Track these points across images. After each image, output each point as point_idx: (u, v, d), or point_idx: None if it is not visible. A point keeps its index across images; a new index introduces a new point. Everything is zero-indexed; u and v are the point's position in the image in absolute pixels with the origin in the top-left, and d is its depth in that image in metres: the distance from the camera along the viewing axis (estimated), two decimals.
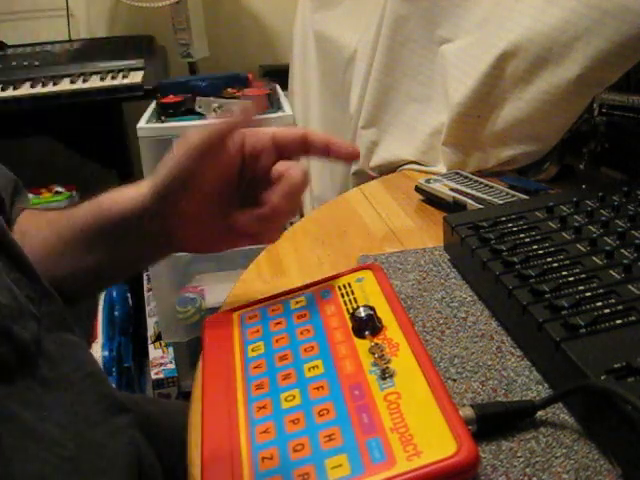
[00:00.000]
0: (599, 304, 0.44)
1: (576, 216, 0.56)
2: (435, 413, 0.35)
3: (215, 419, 0.40)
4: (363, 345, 0.43)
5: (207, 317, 0.52)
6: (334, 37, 1.28)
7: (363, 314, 0.44)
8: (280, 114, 1.59)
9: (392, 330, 0.43)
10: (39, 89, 1.65)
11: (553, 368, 0.42)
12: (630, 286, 0.45)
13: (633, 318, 0.42)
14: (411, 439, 0.34)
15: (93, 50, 1.89)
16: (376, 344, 0.42)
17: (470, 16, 0.91)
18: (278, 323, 0.48)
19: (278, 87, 1.75)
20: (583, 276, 0.47)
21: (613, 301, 0.44)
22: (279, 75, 1.80)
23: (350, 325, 0.45)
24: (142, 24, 2.02)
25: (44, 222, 0.60)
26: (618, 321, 0.42)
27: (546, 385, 0.43)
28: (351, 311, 0.46)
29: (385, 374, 0.39)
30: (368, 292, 0.48)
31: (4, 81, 1.68)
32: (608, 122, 0.81)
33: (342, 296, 0.49)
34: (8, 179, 0.63)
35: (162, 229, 0.52)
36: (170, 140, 1.55)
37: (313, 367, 0.42)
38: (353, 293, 0.49)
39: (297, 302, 0.50)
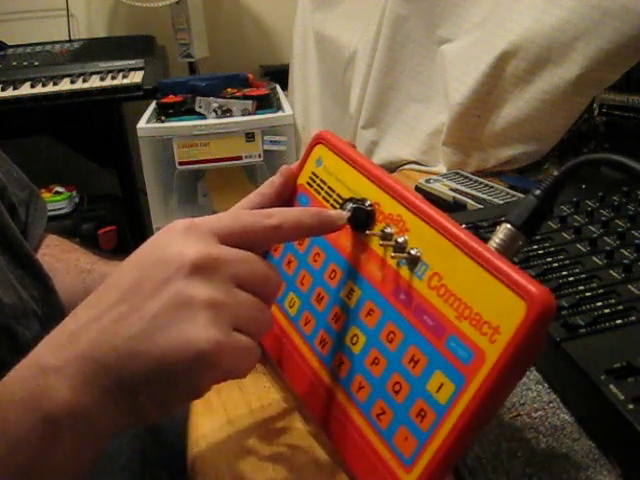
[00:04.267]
0: (599, 304, 0.44)
1: (576, 216, 0.56)
2: (482, 275, 0.32)
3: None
4: (372, 241, 0.39)
5: None
6: (334, 37, 1.28)
7: (354, 214, 0.40)
8: (280, 114, 1.60)
9: (384, 203, 0.39)
10: (39, 89, 1.65)
11: (553, 368, 0.42)
12: (630, 286, 0.45)
13: (633, 318, 0.42)
14: (481, 318, 0.32)
15: (93, 50, 1.89)
16: (383, 233, 0.38)
17: (470, 16, 0.91)
18: (289, 262, 0.46)
19: (278, 87, 1.75)
20: (583, 276, 0.47)
21: (613, 301, 0.44)
22: (279, 75, 1.80)
23: (347, 225, 0.40)
24: (142, 24, 2.02)
25: (73, 264, 0.61)
26: (618, 321, 0.42)
27: (546, 385, 0.43)
28: (337, 206, 0.42)
29: (413, 260, 0.36)
30: (335, 172, 0.44)
31: (4, 81, 1.68)
32: (608, 122, 0.81)
33: (318, 192, 0.45)
34: (23, 186, 0.64)
35: None
36: (170, 140, 1.55)
37: (350, 293, 0.40)
38: (324, 183, 0.44)
39: None
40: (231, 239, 0.34)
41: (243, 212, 0.37)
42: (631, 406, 0.35)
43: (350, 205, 0.40)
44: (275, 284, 0.36)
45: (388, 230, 0.38)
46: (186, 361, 0.31)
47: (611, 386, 0.36)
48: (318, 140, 0.47)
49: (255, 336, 0.34)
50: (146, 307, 0.31)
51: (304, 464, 0.39)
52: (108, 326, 0.31)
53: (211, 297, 0.31)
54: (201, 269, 0.32)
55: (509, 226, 0.35)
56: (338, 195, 0.43)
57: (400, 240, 0.37)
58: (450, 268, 0.34)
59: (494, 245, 0.35)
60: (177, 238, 0.33)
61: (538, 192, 0.35)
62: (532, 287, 0.30)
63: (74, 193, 1.88)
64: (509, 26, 0.80)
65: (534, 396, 0.42)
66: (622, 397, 0.35)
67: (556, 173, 0.35)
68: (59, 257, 0.62)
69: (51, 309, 0.54)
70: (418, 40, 0.96)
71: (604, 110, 0.81)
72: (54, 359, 0.31)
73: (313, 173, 0.46)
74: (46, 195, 1.79)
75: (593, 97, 0.78)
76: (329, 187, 0.44)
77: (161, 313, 0.31)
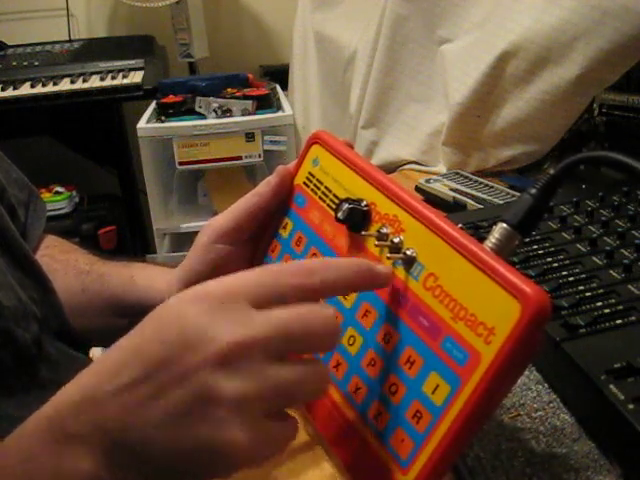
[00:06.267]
0: (599, 304, 0.44)
1: (576, 216, 0.56)
2: (477, 275, 0.32)
3: None
4: (368, 241, 0.39)
5: None
6: (334, 37, 1.28)
7: (350, 215, 0.40)
8: (280, 114, 1.60)
9: (380, 203, 0.39)
10: (39, 89, 1.65)
11: (553, 368, 0.43)
12: (630, 286, 0.45)
13: (633, 318, 0.42)
14: (476, 319, 0.32)
15: (93, 50, 1.89)
16: (379, 233, 0.38)
17: (470, 16, 0.91)
18: None
19: (278, 87, 1.75)
20: (583, 276, 0.47)
21: (613, 301, 0.44)
22: (279, 75, 1.80)
23: (343, 226, 0.41)
24: (142, 24, 2.02)
25: (72, 265, 0.61)
26: (618, 321, 0.42)
27: (546, 385, 0.43)
28: (333, 207, 0.42)
29: (408, 260, 0.36)
30: (332, 172, 0.44)
31: (4, 81, 1.68)
32: (608, 122, 0.81)
33: (314, 192, 0.45)
34: (22, 186, 0.64)
35: None
36: (170, 140, 1.55)
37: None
38: (321, 183, 0.44)
39: (286, 227, 0.47)
40: (268, 304, 0.32)
41: (283, 273, 0.33)
42: (631, 406, 0.35)
43: (346, 206, 0.40)
44: (323, 331, 0.32)
45: (384, 230, 0.38)
46: (205, 460, 0.30)
47: (611, 386, 0.36)
48: (314, 140, 0.46)
49: (297, 404, 0.34)
50: (170, 395, 0.30)
51: (306, 468, 0.39)
52: (131, 406, 0.30)
53: (238, 393, 0.30)
54: (232, 358, 0.30)
55: (505, 225, 0.35)
56: (334, 195, 0.43)
57: (396, 240, 0.37)
58: (446, 269, 0.34)
59: (490, 245, 0.35)
60: (210, 316, 0.31)
61: (534, 191, 0.35)
62: (527, 288, 0.30)
63: (74, 193, 1.88)
64: (509, 26, 0.80)
65: (534, 396, 0.42)
66: (622, 397, 0.35)
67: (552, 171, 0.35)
68: (58, 258, 0.62)
69: (50, 310, 0.54)
70: (418, 40, 0.96)
71: (604, 110, 0.81)
72: (76, 425, 0.31)
73: (310, 173, 0.46)
74: (46, 195, 1.79)
75: (593, 97, 0.78)
76: (326, 187, 0.44)
77: (184, 406, 0.30)
